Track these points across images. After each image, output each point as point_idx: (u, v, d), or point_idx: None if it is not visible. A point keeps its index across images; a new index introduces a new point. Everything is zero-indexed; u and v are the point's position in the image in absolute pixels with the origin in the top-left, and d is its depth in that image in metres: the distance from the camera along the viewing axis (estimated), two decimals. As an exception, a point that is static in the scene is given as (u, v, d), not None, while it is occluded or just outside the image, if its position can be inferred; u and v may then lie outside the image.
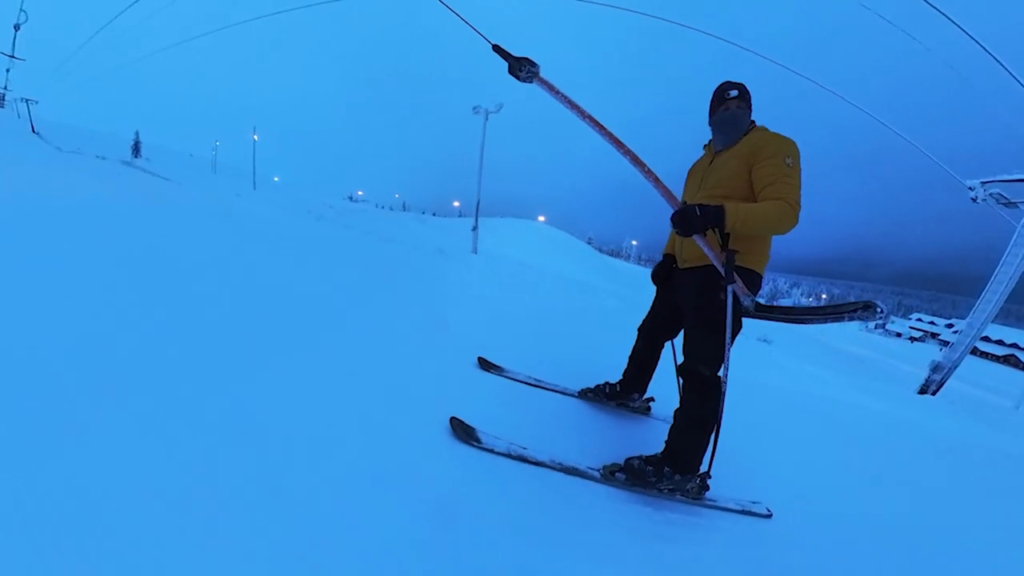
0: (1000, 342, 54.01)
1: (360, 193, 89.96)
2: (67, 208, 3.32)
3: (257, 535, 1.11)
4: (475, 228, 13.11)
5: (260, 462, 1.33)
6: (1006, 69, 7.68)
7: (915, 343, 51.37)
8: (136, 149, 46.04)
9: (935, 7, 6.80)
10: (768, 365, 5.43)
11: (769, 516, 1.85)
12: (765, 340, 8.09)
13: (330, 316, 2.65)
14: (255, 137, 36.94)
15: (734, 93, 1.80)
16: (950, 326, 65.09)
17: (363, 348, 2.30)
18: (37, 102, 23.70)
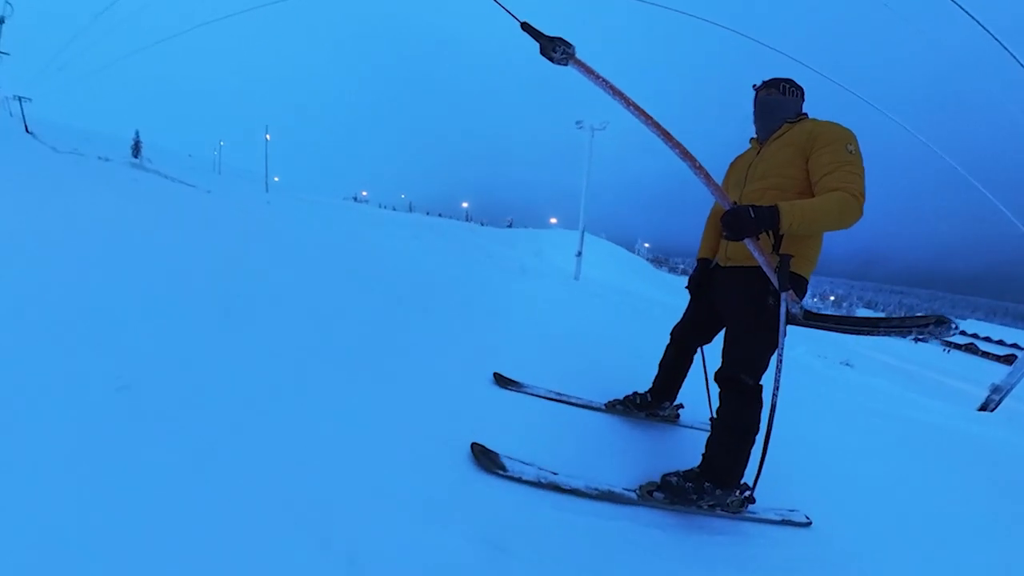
0: (1001, 342, 54.13)
1: (364, 194, 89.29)
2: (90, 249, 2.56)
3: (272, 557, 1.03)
4: (579, 254, 12.67)
5: (274, 490, 1.21)
6: (1014, 57, 7.51)
7: (919, 343, 51.38)
8: (136, 149, 45.26)
9: None
10: (827, 379, 5.25)
11: (808, 524, 1.78)
12: (847, 364, 7.86)
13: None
14: (267, 137, 34.87)
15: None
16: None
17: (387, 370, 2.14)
18: (31, 100, 22.62)
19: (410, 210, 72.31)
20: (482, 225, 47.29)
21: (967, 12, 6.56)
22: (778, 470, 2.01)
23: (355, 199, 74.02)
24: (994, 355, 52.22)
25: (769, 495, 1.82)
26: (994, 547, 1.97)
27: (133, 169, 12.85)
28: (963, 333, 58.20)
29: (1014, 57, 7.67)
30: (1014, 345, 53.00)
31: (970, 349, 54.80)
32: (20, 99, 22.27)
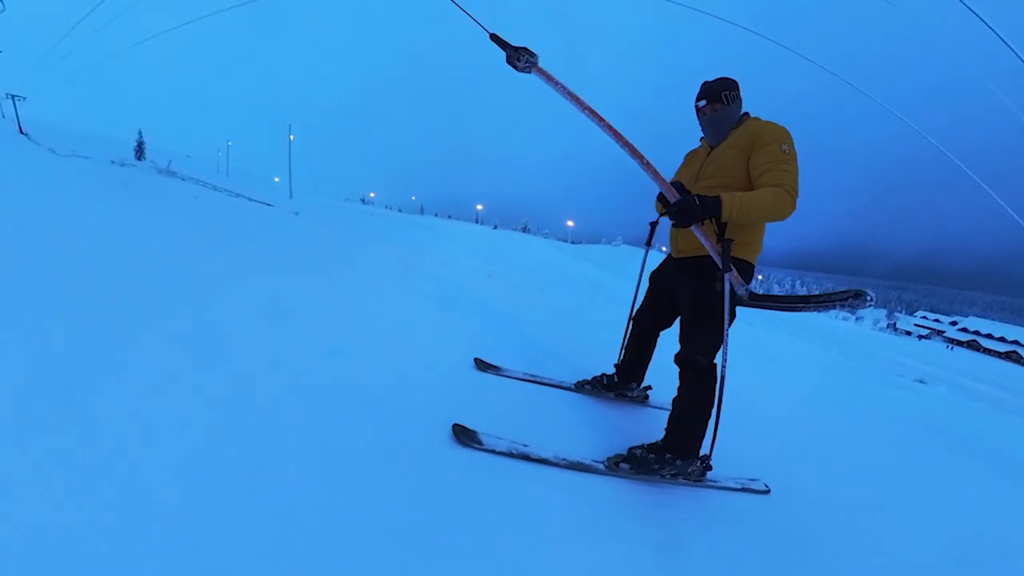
0: (1002, 339, 54.25)
1: (372, 195, 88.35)
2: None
3: (267, 544, 1.12)
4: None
5: (267, 473, 1.33)
6: (1014, 51, 7.55)
7: (922, 340, 51.42)
8: (140, 151, 44.02)
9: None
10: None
11: (767, 492, 1.93)
12: (922, 381, 8.00)
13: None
14: (291, 137, 31.28)
15: (703, 103, 1.85)
16: (954, 323, 65.44)
17: (363, 353, 2.29)
18: (25, 99, 20.69)
19: (421, 212, 71.40)
20: (495, 228, 46.51)
21: (965, 4, 6.64)
22: (738, 442, 2.16)
23: (363, 201, 72.77)
24: (995, 351, 52.32)
25: (730, 464, 1.98)
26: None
27: (165, 177, 10.61)
28: (964, 330, 58.38)
29: (1013, 51, 7.74)
30: (1015, 342, 53.13)
31: (972, 346, 54.86)
32: (13, 98, 20.36)
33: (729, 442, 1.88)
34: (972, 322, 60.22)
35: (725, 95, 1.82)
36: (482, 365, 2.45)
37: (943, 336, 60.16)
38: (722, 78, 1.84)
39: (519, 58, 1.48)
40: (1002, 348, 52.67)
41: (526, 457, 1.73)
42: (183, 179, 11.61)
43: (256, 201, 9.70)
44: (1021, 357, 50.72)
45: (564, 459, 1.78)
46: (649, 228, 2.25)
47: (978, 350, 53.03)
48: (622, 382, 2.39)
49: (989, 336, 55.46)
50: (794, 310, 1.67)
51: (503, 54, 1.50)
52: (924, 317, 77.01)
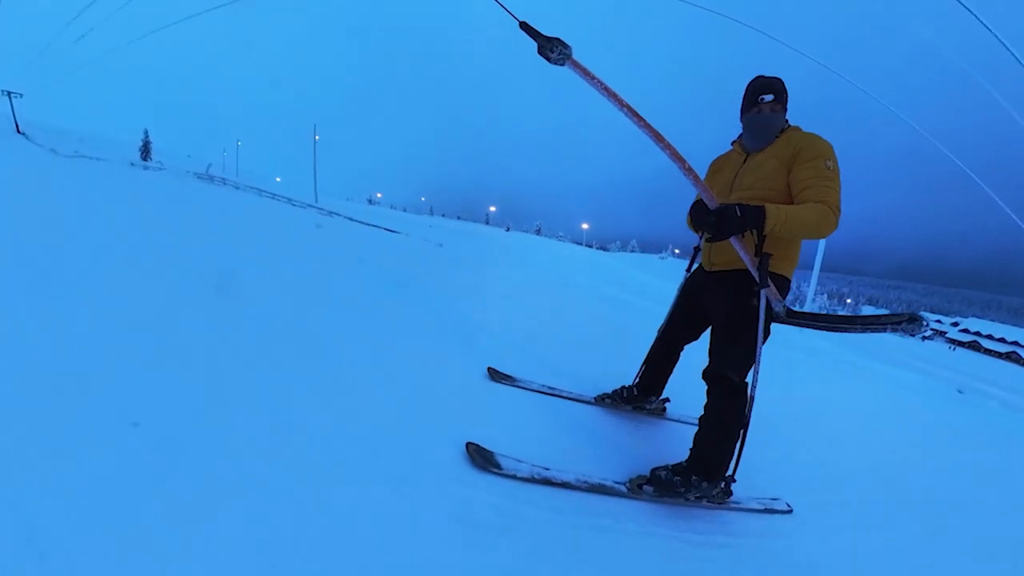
0: (1002, 340, 54.39)
1: (379, 196, 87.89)
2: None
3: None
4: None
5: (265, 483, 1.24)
6: (1011, 52, 7.45)
7: (926, 341, 51.50)
8: (145, 151, 42.24)
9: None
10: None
11: (790, 511, 1.86)
12: (960, 391, 8.05)
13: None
14: (316, 137, 29.98)
15: (769, 97, 1.71)
16: (955, 324, 65.51)
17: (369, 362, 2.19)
18: (22, 96, 19.66)
19: (431, 213, 70.63)
20: (507, 230, 45.21)
21: (966, 7, 6.53)
22: (757, 461, 2.05)
23: (369, 202, 71.70)
24: (996, 352, 52.42)
25: (750, 485, 1.90)
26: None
27: (207, 183, 9.13)
28: (966, 331, 58.54)
29: (1011, 52, 7.62)
30: (1015, 343, 53.25)
31: (973, 347, 54.94)
32: (10, 95, 19.30)
33: (750, 461, 1.78)
34: (972, 323, 60.35)
35: (786, 98, 1.72)
36: (496, 375, 2.34)
37: (945, 337, 60.32)
38: (779, 78, 1.73)
39: (552, 49, 1.35)
40: (1003, 349, 52.80)
41: (548, 481, 1.63)
42: (237, 187, 9.97)
43: (376, 227, 8.37)
44: (1021, 358, 50.87)
45: (585, 482, 1.68)
46: (693, 252, 2.13)
47: (979, 351, 53.13)
48: (641, 395, 2.29)
49: (989, 337, 55.58)
50: (835, 330, 1.55)
51: (520, 46, 1.38)
52: (926, 318, 77.32)
